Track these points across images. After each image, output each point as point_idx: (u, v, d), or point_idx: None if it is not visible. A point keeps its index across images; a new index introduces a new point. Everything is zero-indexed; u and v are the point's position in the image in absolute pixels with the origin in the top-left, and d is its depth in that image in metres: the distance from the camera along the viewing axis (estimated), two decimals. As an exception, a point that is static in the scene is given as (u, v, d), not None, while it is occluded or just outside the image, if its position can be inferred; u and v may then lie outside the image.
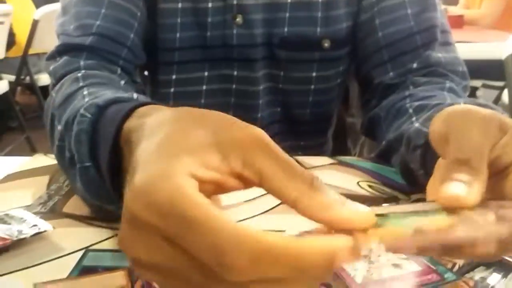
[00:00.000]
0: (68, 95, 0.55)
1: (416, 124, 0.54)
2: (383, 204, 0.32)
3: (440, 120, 0.40)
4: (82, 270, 0.44)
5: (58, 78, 0.62)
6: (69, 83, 0.58)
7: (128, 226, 0.27)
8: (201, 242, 0.25)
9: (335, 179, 0.64)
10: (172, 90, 0.77)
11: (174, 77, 0.76)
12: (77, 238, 0.49)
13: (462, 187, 0.32)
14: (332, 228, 0.27)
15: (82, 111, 0.45)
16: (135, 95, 0.46)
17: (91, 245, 0.48)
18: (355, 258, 0.26)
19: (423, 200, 0.58)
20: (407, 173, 0.59)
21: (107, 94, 0.49)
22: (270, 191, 0.28)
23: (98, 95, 0.50)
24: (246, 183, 0.29)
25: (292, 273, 0.25)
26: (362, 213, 0.28)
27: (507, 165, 0.35)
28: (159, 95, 0.77)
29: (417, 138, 0.53)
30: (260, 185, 0.28)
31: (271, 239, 0.24)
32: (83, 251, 0.47)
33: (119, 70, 0.66)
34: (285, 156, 0.28)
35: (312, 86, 0.79)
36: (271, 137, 0.29)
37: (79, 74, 0.59)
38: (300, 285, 0.26)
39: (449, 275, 0.44)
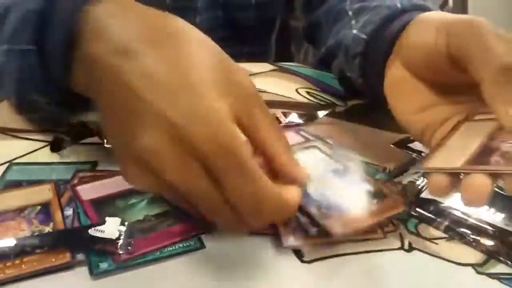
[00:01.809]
0: None
1: (354, 31, 0.53)
2: None
3: (442, 34, 0.39)
4: (6, 184, 0.42)
5: None
6: None
7: (168, 141, 0.29)
8: (244, 185, 0.29)
9: (274, 86, 0.63)
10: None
11: None
12: (0, 151, 0.47)
13: None
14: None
15: None
16: None
17: (15, 158, 0.46)
18: None
19: (359, 106, 0.58)
20: (344, 81, 0.59)
21: None
22: (256, 141, 0.32)
23: None
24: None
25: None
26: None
27: None
28: None
29: (356, 46, 0.52)
30: (248, 132, 0.32)
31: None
32: (6, 165, 0.45)
33: None
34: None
35: None
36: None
37: None
38: None
39: (380, 175, 0.45)
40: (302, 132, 0.51)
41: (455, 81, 0.40)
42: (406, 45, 0.43)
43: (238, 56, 0.81)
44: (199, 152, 0.29)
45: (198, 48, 0.32)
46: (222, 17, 0.78)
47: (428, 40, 0.40)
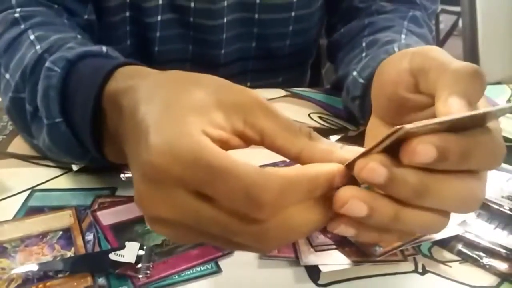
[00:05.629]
0: (11, 40, 0.51)
1: (354, 73, 0.54)
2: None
3: (406, 58, 0.39)
4: (28, 210, 0.44)
5: None
6: (7, 25, 0.54)
7: (149, 183, 0.28)
8: (230, 187, 0.27)
9: (287, 111, 0.64)
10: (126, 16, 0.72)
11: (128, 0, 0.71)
12: (22, 178, 0.48)
13: None
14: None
15: (48, 64, 0.43)
16: (104, 48, 0.44)
17: (37, 185, 0.47)
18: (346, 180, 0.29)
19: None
20: (349, 114, 0.60)
21: (68, 43, 0.46)
22: (272, 148, 0.31)
23: (51, 42, 0.47)
24: (248, 142, 0.32)
25: (310, 195, 0.28)
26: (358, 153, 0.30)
27: None
28: (108, 25, 0.72)
29: (355, 89, 0.54)
30: (261, 143, 0.31)
31: (291, 172, 0.28)
32: (29, 191, 0.46)
33: (55, 6, 0.61)
34: (283, 115, 0.32)
35: (293, 13, 0.74)
36: (242, 75, 0.31)
37: (17, 15, 0.55)
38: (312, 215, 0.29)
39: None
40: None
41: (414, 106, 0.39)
42: (374, 83, 0.43)
43: (274, 86, 0.78)
44: (175, 178, 0.28)
45: (191, 85, 0.32)
46: (255, 47, 0.75)
47: (397, 65, 0.40)
